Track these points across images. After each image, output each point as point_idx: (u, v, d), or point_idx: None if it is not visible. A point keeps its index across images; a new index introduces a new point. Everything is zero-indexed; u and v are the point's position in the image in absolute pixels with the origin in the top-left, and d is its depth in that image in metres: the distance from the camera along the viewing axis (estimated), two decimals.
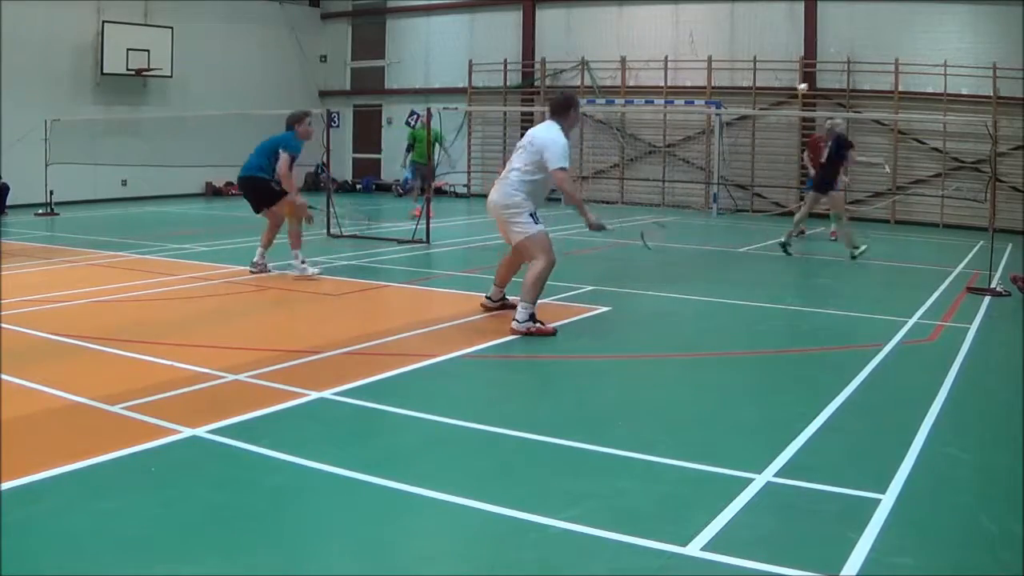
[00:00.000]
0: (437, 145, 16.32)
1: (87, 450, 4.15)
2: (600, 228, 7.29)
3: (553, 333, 6.87)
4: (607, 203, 20.28)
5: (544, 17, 21.71)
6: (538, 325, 6.86)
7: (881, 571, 3.18)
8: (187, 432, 4.45)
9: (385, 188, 22.86)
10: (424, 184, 16.76)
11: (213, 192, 21.74)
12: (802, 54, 18.50)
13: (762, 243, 13.18)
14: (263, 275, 9.37)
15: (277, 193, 9.31)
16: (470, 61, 22.13)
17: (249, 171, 9.42)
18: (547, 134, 7.04)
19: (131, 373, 5.63)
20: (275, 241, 9.67)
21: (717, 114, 18.56)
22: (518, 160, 7.14)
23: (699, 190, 19.81)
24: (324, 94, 24.07)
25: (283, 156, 9.01)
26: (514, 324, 6.84)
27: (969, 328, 7.40)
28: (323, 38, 24.56)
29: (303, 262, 9.22)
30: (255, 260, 9.51)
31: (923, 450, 4.41)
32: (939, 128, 16.97)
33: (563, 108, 7.16)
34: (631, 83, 20.45)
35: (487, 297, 7.74)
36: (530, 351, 6.57)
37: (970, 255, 12.44)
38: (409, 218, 14.92)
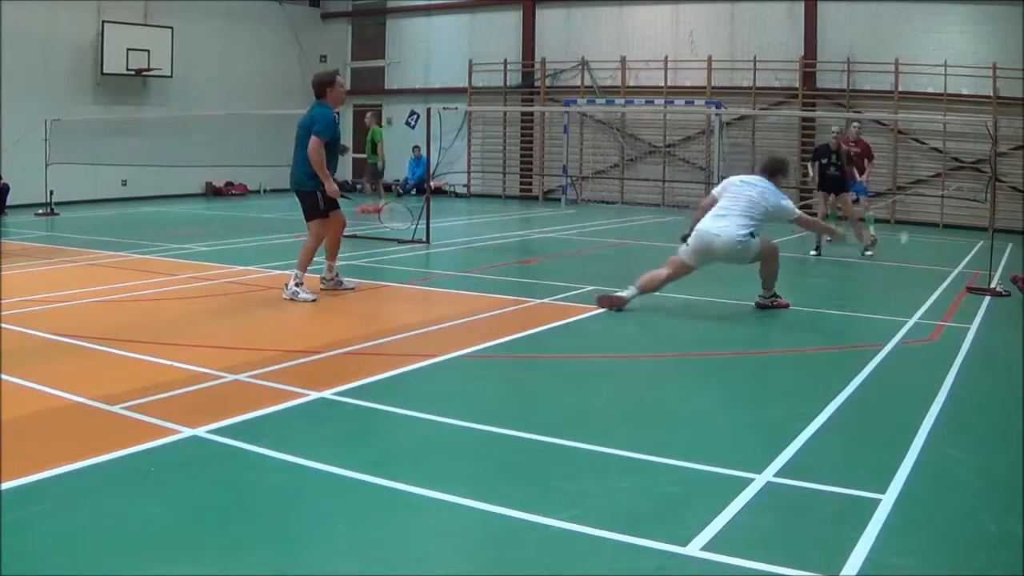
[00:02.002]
0: (374, 144, 16.94)
1: (87, 450, 4.15)
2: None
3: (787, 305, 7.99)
4: (607, 203, 20.30)
5: (544, 17, 21.71)
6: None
7: (881, 571, 3.18)
8: (187, 432, 4.45)
9: (385, 188, 22.83)
10: (373, 183, 17.31)
11: (213, 192, 21.75)
12: (802, 54, 18.51)
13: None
14: (336, 289, 8.54)
15: (322, 207, 8.28)
16: (470, 61, 22.13)
17: (293, 179, 8.40)
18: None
19: (131, 373, 5.63)
20: (301, 253, 8.43)
21: (717, 114, 18.56)
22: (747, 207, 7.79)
23: (699, 190, 19.79)
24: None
25: (312, 141, 8.00)
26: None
27: (969, 328, 7.40)
28: (323, 38, 24.56)
29: (297, 284, 8.07)
30: (324, 275, 8.59)
31: (923, 450, 4.41)
32: (939, 128, 16.98)
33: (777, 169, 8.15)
34: (631, 83, 20.46)
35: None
36: (530, 351, 6.58)
37: (970, 255, 12.44)
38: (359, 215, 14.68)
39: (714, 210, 7.80)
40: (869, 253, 11.83)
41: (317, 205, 8.25)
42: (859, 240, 11.90)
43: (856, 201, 12.49)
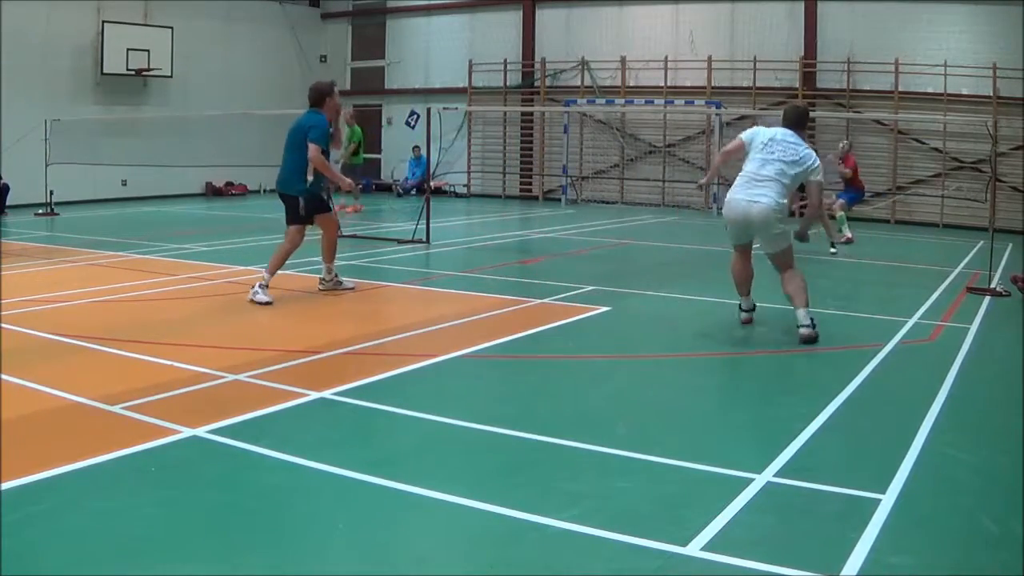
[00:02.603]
0: (349, 143, 16.89)
1: (87, 450, 4.15)
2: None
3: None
4: (607, 203, 20.31)
5: (544, 17, 21.71)
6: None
7: (881, 571, 3.18)
8: (187, 432, 4.45)
9: (385, 188, 22.87)
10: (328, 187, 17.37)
11: (213, 192, 21.74)
12: (802, 54, 18.50)
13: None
14: (335, 290, 8.52)
15: (303, 213, 8.24)
16: (470, 61, 22.13)
17: (279, 181, 8.40)
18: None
19: (131, 373, 5.63)
20: (287, 256, 8.37)
21: (717, 114, 18.56)
22: (779, 167, 6.99)
23: (699, 190, 19.82)
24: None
25: (311, 147, 7.97)
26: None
27: (969, 328, 7.40)
28: (323, 38, 24.56)
29: (262, 287, 7.93)
30: (322, 276, 8.60)
31: (923, 450, 4.41)
32: (939, 128, 16.97)
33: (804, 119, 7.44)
34: (631, 83, 20.45)
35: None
36: (530, 351, 6.58)
37: (970, 255, 12.44)
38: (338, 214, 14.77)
39: (743, 177, 7.05)
40: (833, 251, 12.15)
41: (298, 210, 8.22)
42: (830, 236, 12.34)
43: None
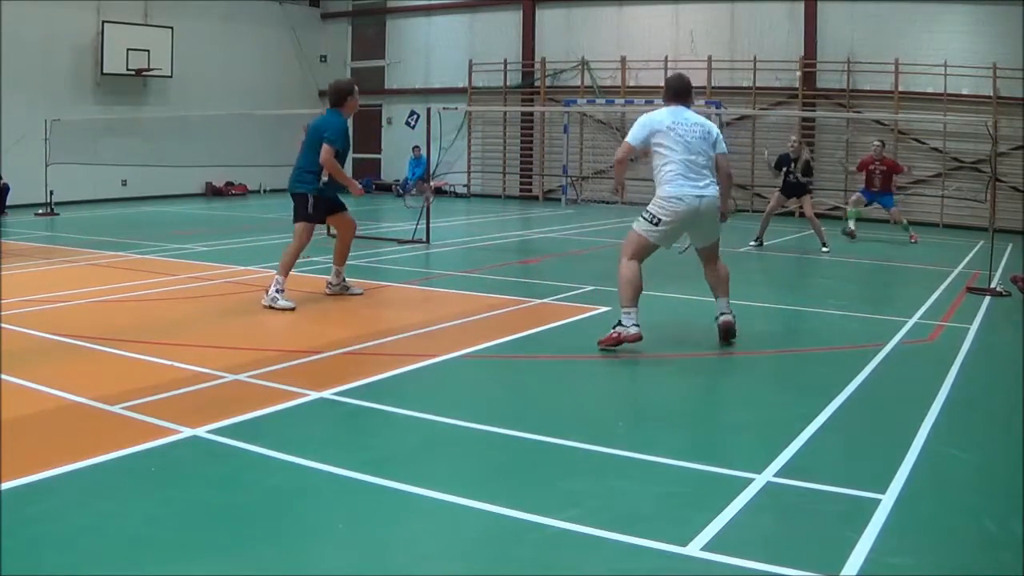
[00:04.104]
0: None
1: (87, 450, 4.15)
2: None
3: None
4: (607, 203, 20.29)
5: (544, 17, 21.71)
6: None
7: (881, 571, 3.18)
8: (187, 432, 4.45)
9: (385, 188, 22.86)
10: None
11: (213, 192, 21.75)
12: (802, 54, 18.50)
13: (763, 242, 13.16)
14: (343, 295, 8.33)
15: (310, 212, 8.00)
16: (470, 61, 22.13)
17: (291, 180, 8.13)
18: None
19: (131, 373, 5.63)
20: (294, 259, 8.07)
21: (717, 114, 18.54)
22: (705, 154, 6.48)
23: None
24: (324, 94, 24.02)
25: (325, 149, 7.75)
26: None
27: (969, 328, 7.40)
28: (323, 38, 24.56)
29: (278, 291, 7.71)
30: (330, 280, 8.40)
31: (923, 450, 4.41)
32: (939, 128, 16.97)
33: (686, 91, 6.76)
34: (631, 83, 20.45)
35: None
36: (530, 351, 6.58)
37: (970, 255, 12.45)
38: None
39: (678, 168, 6.37)
40: (825, 250, 12.34)
41: (305, 208, 8.00)
42: (820, 238, 12.52)
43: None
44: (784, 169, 12.90)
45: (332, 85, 8.38)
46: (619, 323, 6.42)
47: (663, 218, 6.44)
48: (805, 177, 12.78)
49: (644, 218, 6.54)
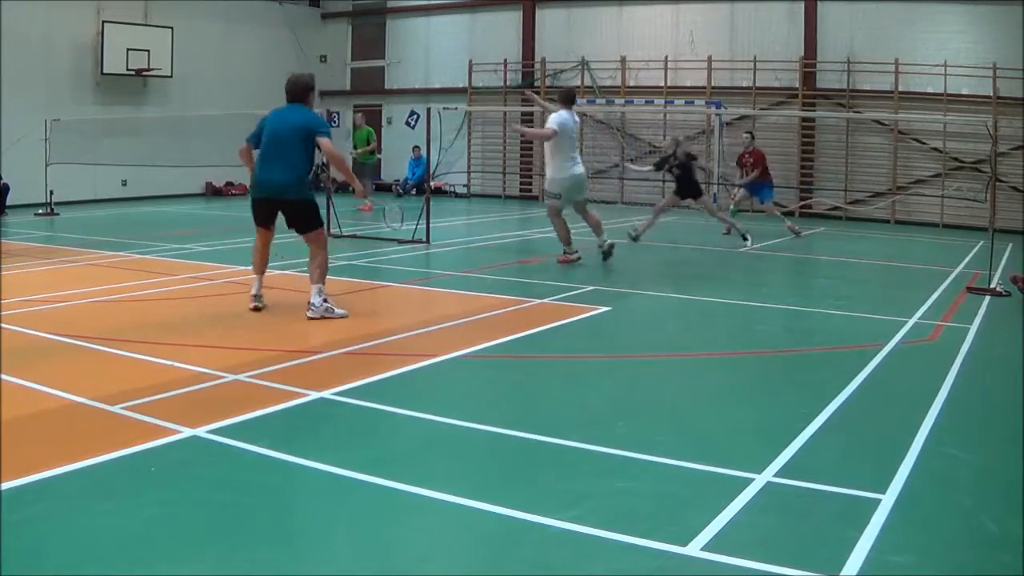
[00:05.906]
0: (368, 142, 18.09)
1: (87, 450, 4.15)
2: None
3: None
4: (607, 203, 20.28)
5: (544, 17, 21.71)
6: None
7: (881, 571, 3.18)
8: (187, 432, 4.45)
9: (385, 188, 22.85)
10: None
11: (213, 192, 21.74)
12: (802, 54, 18.50)
13: (762, 243, 13.17)
14: (328, 317, 7.38)
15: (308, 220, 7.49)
16: (470, 61, 22.12)
17: (292, 188, 7.40)
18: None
19: (131, 373, 5.63)
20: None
21: (717, 114, 18.55)
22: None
23: None
24: (324, 94, 24.05)
25: (327, 142, 7.29)
26: None
27: (969, 328, 7.40)
28: (323, 38, 24.55)
29: (326, 300, 7.30)
30: (311, 301, 7.34)
31: (923, 450, 4.41)
32: (939, 128, 16.97)
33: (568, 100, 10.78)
34: (631, 83, 20.45)
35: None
36: (530, 351, 6.58)
37: (970, 255, 12.44)
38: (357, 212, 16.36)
39: (568, 155, 10.51)
40: (747, 241, 12.71)
41: (317, 212, 7.51)
42: (727, 230, 13.46)
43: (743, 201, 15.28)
44: (667, 167, 13.24)
45: (292, 79, 7.77)
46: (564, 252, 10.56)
47: (572, 186, 10.78)
48: (683, 173, 12.97)
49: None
